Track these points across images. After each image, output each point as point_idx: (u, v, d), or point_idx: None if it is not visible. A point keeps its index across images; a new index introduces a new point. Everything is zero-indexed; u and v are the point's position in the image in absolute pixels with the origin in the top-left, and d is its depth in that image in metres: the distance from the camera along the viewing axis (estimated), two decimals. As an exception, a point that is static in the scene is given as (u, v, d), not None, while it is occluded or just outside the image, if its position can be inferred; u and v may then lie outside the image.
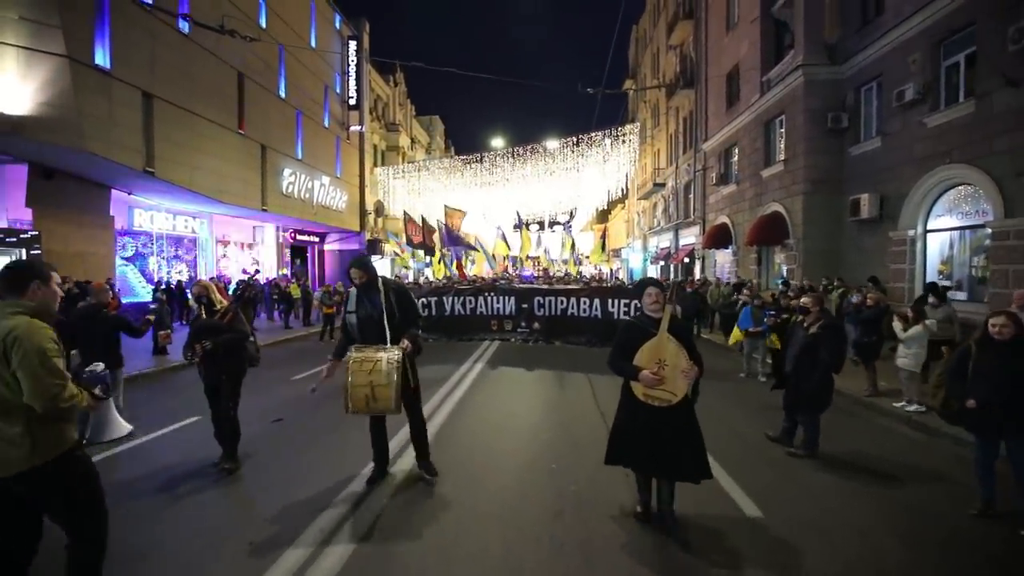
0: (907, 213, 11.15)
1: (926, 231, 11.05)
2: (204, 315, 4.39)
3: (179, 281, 15.52)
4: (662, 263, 27.70)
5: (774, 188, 15.33)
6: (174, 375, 8.81)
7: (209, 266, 17.62)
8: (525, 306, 10.58)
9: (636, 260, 33.96)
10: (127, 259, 14.71)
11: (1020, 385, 3.47)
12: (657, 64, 29.06)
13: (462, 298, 11.60)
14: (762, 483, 4.13)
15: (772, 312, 6.95)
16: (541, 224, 31.93)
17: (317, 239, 24.79)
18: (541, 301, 10.48)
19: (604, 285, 14.85)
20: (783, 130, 15.07)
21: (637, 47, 34.74)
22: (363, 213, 25.29)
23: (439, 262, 16.68)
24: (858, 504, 3.84)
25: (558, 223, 36.09)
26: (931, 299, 7.01)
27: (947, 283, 10.34)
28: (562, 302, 10.44)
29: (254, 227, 20.66)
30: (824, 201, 13.42)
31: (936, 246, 11.06)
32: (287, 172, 18.25)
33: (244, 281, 5.63)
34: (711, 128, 20.59)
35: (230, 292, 13.25)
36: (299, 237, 23.00)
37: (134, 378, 8.10)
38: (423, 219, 16.42)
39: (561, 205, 30.39)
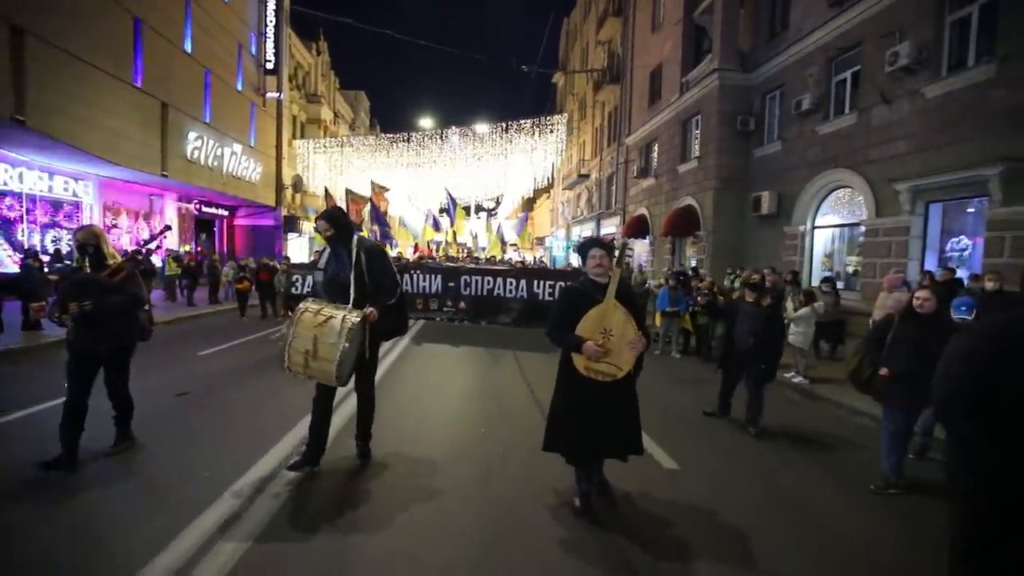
0: (799, 211, 12.45)
1: (814, 227, 12.42)
2: (87, 268, 3.54)
3: (57, 250, 13.70)
4: (584, 252, 28.69)
5: (688, 183, 16.42)
6: (48, 352, 7.77)
7: (111, 244, 15.65)
8: (451, 285, 10.52)
9: (559, 248, 34.89)
10: (-16, 222, 12.71)
11: (934, 359, 3.64)
12: (586, 58, 29.82)
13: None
14: (680, 442, 4.49)
15: (705, 292, 7.44)
16: (467, 209, 31.81)
17: (227, 212, 22.89)
18: (467, 280, 10.48)
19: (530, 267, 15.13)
20: (699, 129, 16.15)
21: (567, 40, 35.41)
22: (279, 187, 23.70)
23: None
24: (759, 454, 4.33)
25: (483, 209, 36.27)
26: (824, 287, 8.08)
27: (829, 274, 11.70)
28: (488, 282, 10.51)
29: (151, 195, 18.63)
30: (731, 197, 14.60)
31: (821, 241, 12.47)
32: (192, 136, 16.62)
33: (145, 242, 4.76)
34: (634, 123, 21.55)
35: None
36: (205, 209, 21.11)
37: None
38: (348, 192, 15.67)
39: (488, 191, 30.61)
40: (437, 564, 2.59)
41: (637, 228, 20.05)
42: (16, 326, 8.85)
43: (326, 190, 16.66)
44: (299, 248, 26.08)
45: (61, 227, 14.85)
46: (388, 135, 25.35)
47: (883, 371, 3.70)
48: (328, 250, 3.61)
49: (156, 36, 15.02)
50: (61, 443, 3.43)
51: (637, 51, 21.37)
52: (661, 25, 19.14)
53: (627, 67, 22.16)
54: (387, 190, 16.74)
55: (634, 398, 3.11)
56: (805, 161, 12.26)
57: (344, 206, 15.02)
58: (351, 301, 3.36)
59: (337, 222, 3.51)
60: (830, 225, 12.13)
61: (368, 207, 15.38)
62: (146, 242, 4.29)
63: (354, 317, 3.20)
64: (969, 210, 8.91)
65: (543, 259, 34.34)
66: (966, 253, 9.05)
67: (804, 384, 6.57)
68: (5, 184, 12.93)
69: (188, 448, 4.01)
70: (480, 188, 29.22)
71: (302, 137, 27.18)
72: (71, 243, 14.88)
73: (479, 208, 35.07)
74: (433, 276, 10.85)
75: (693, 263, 15.75)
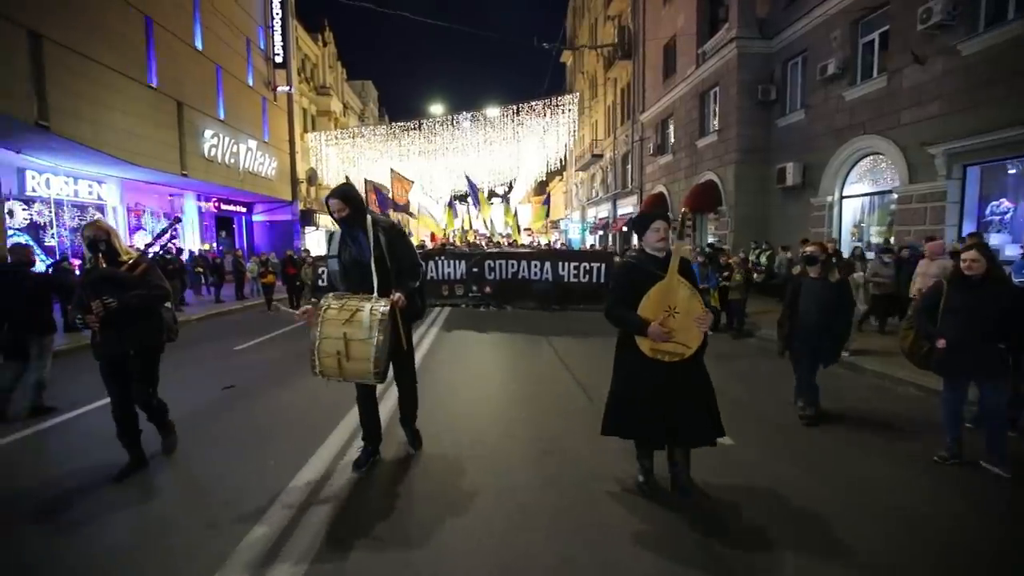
0: (826, 181, 12.13)
1: (842, 197, 12.10)
2: (103, 263, 3.25)
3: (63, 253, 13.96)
4: (601, 232, 28.47)
5: (708, 158, 16.08)
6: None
7: (121, 238, 15.93)
8: (476, 270, 10.52)
9: (575, 231, 34.65)
10: (19, 230, 12.98)
11: (991, 324, 3.34)
12: (595, 34, 29.19)
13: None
14: (728, 418, 4.44)
15: (759, 266, 7.31)
16: (462, 197, 31.78)
17: (244, 209, 23.09)
18: (492, 265, 10.46)
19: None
20: (717, 102, 15.75)
21: (575, 17, 34.67)
22: (295, 181, 23.80)
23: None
24: (808, 429, 4.28)
25: (497, 195, 36.08)
26: (885, 258, 8.19)
27: (859, 244, 11.44)
28: (512, 265, 10.46)
29: (171, 195, 18.86)
30: (754, 170, 14.28)
31: (850, 211, 12.16)
32: (208, 134, 16.72)
33: (156, 236, 3.98)
34: (648, 99, 21.12)
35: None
36: (224, 207, 21.32)
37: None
38: (366, 181, 15.64)
39: (500, 176, 30.37)
40: (516, 560, 2.43)
41: (654, 207, 19.75)
42: (59, 326, 9.08)
43: (347, 180, 16.61)
44: (316, 241, 26.24)
45: (88, 230, 15.12)
46: (399, 123, 25.19)
47: (940, 343, 3.52)
48: (339, 234, 3.24)
49: (167, 34, 15.03)
50: (126, 450, 3.40)
51: (649, 24, 20.84)
52: (674, -4, 18.59)
53: (639, 41, 21.64)
54: (411, 182, 16.64)
55: (706, 378, 2.90)
56: (831, 129, 11.91)
57: (365, 196, 15.05)
58: (375, 288, 3.04)
59: (352, 201, 3.12)
60: (859, 194, 11.80)
61: (376, 195, 15.32)
62: (157, 236, 3.76)
63: (382, 306, 2.89)
64: (1010, 171, 8.58)
65: (560, 242, 34.15)
66: (1007, 216, 8.74)
67: (846, 357, 6.44)
68: (34, 190, 13.17)
69: (245, 441, 4.01)
70: (493, 173, 29.03)
71: (313, 130, 27.19)
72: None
73: (492, 193, 34.96)
74: (457, 262, 10.84)
75: (711, 239, 15.50)
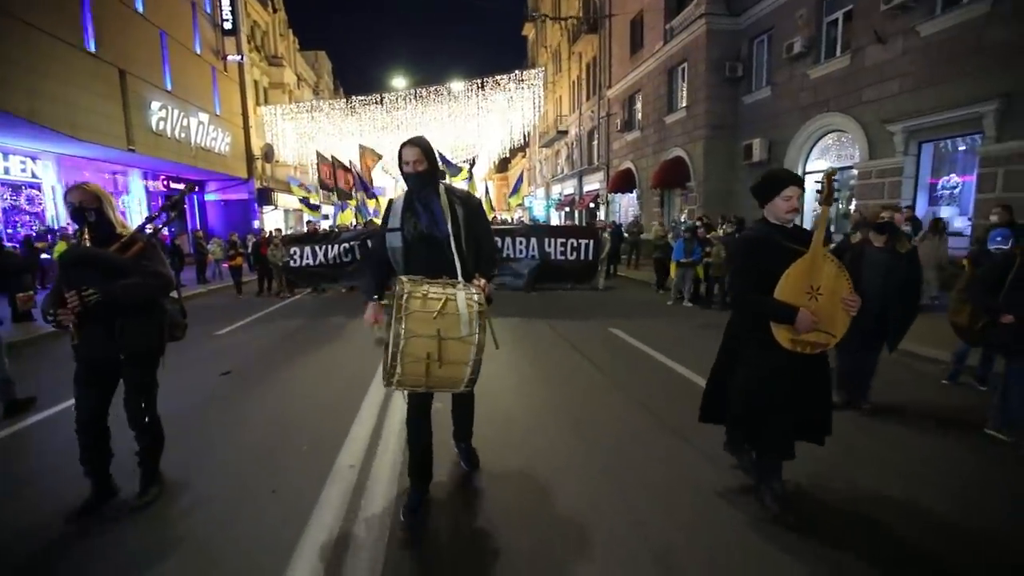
0: (791, 157, 12.63)
1: (805, 172, 12.63)
2: (87, 241, 2.51)
3: (27, 236, 12.85)
4: (567, 209, 28.64)
5: (676, 134, 16.37)
6: (54, 343, 7.42)
7: (61, 219, 14.72)
8: None
9: (539, 208, 34.70)
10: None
11: None
12: (558, 8, 28.78)
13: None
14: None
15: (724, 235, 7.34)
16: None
17: (196, 188, 21.76)
18: None
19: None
20: (685, 78, 15.97)
21: (536, -10, 33.95)
22: (250, 158, 22.57)
23: (354, 208, 15.60)
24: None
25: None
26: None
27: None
28: (496, 243, 10.40)
29: (114, 173, 17.51)
30: (721, 146, 14.66)
31: (812, 186, 12.70)
32: (156, 105, 15.52)
33: (163, 207, 3.14)
34: (615, 75, 21.16)
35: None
36: (173, 186, 20.01)
37: None
38: (333, 159, 14.99)
39: (462, 153, 29.89)
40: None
41: (623, 182, 20.03)
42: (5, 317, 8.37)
43: (318, 153, 15.83)
44: (275, 221, 25.14)
45: (24, 212, 13.91)
46: (360, 97, 24.25)
47: (1007, 318, 3.27)
48: (399, 202, 2.56)
49: (104, -5, 13.74)
50: (89, 478, 2.62)
51: (615, -2, 20.73)
52: (641, -31, 18.52)
53: (606, 16, 21.52)
54: (380, 157, 16.04)
55: (828, 367, 2.54)
56: (796, 105, 12.35)
57: (331, 171, 14.44)
58: (458, 270, 2.43)
59: (430, 156, 2.48)
60: (822, 170, 12.35)
61: (353, 173, 14.80)
62: (164, 207, 2.95)
63: (476, 294, 2.28)
64: (961, 148, 9.20)
65: (523, 219, 34.14)
66: (956, 191, 9.41)
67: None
68: (-42, 167, 11.93)
69: (255, 446, 3.54)
70: (455, 150, 28.50)
71: (266, 103, 25.76)
72: (39, 225, 13.99)
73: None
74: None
75: (683, 217, 15.92)
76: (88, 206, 2.52)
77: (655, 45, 17.30)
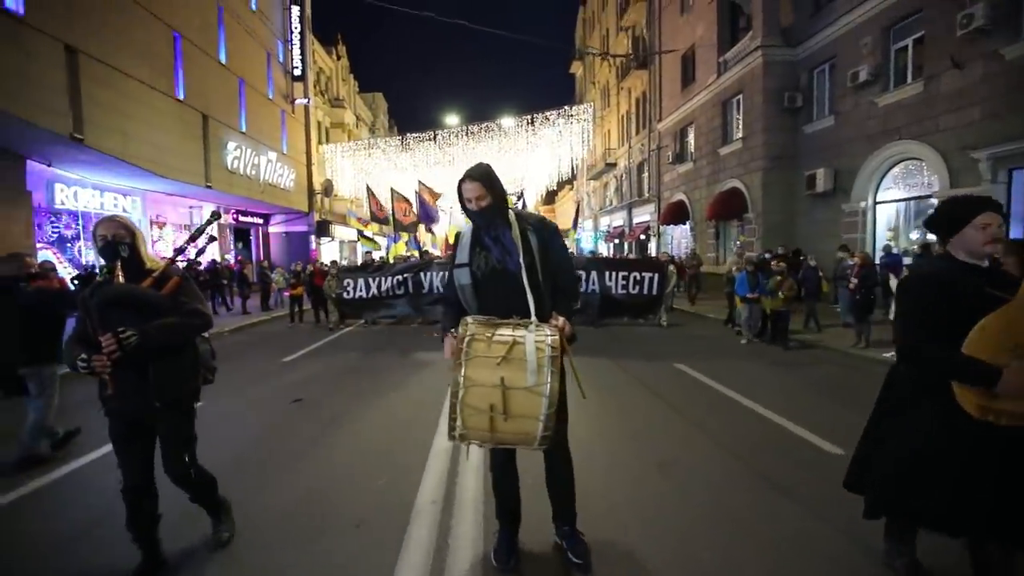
0: (859, 186, 12.07)
1: (875, 203, 12.03)
2: (121, 278, 2.29)
3: (87, 271, 13.93)
4: (616, 241, 28.43)
5: (732, 165, 16.05)
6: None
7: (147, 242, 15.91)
8: None
9: (588, 239, 34.63)
10: (48, 243, 12.96)
11: None
12: (606, 45, 29.38)
13: (441, 274, 11.22)
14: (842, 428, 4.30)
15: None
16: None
17: (261, 220, 23.11)
18: None
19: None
20: (741, 110, 15.76)
21: (584, 28, 34.95)
22: (311, 192, 23.85)
23: (406, 241, 16.08)
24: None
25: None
26: None
27: (894, 249, 11.33)
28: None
29: (191, 207, 18.88)
30: (780, 177, 14.23)
31: (884, 217, 12.07)
32: (232, 146, 16.77)
33: (192, 236, 2.66)
34: (666, 108, 21.17)
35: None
36: (242, 219, 21.33)
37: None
38: (393, 192, 15.52)
39: (510, 186, 30.44)
40: None
41: (675, 214, 19.74)
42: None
43: (368, 189, 16.51)
44: (331, 252, 26.25)
45: (113, 243, 15.09)
46: (413, 134, 25.31)
47: None
48: (468, 234, 2.35)
49: (193, 48, 15.13)
50: (137, 545, 2.38)
51: (665, 34, 20.96)
52: (691, 6, 18.71)
53: (655, 51, 21.75)
54: (440, 195, 16.54)
55: None
56: (863, 134, 11.87)
57: (388, 206, 14.95)
58: (532, 309, 2.15)
59: (495, 187, 2.25)
60: (894, 200, 11.73)
61: (417, 203, 15.23)
62: (192, 236, 2.62)
63: (549, 336, 2.02)
64: (1058, 175, 8.51)
65: (571, 251, 34.12)
66: (1056, 220, 8.66)
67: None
68: (62, 203, 13.17)
69: (332, 477, 3.47)
70: (504, 183, 29.08)
71: (327, 142, 27.30)
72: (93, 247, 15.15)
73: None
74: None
75: (738, 245, 15.42)
76: (121, 240, 2.30)
77: (708, 78, 17.25)
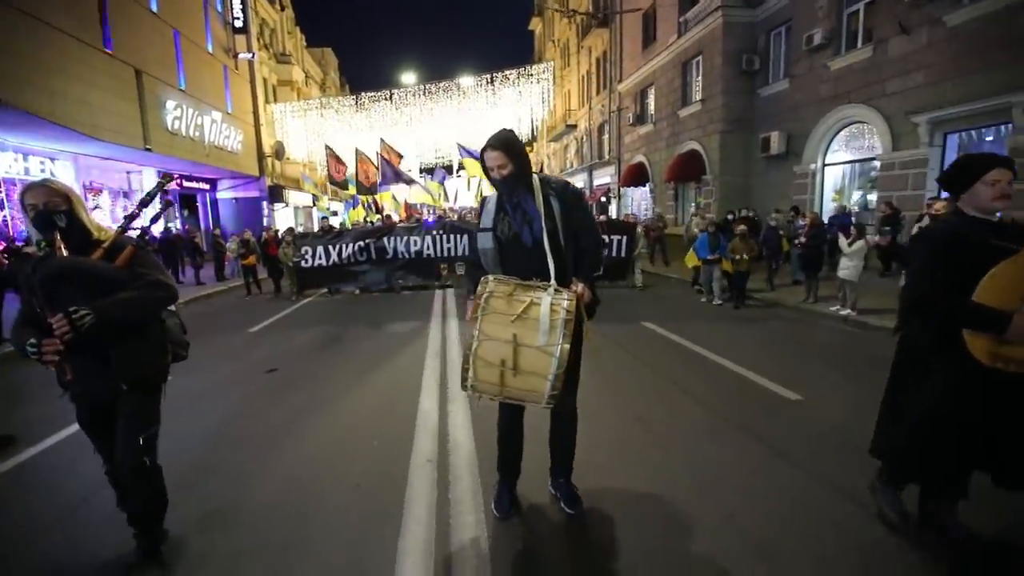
0: (809, 149, 12.59)
1: (824, 165, 12.60)
2: (63, 250, 2.02)
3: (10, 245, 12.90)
4: (577, 205, 28.56)
5: (691, 127, 16.32)
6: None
7: (88, 207, 14.78)
8: None
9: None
10: (-34, 210, 11.85)
11: None
12: (567, 1, 28.62)
13: (406, 239, 11.00)
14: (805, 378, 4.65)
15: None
16: (449, 168, 31.29)
17: (208, 186, 21.78)
18: None
19: None
20: (700, 71, 15.90)
21: (542, -18, 33.77)
22: (261, 155, 22.59)
23: (365, 205, 15.59)
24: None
25: (464, 169, 35.53)
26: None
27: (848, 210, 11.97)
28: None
29: (128, 172, 17.54)
30: (738, 139, 14.62)
31: (831, 179, 12.69)
32: (171, 104, 15.55)
33: (142, 202, 2.25)
34: (626, 68, 21.07)
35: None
36: (187, 184, 20.05)
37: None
38: (357, 152, 14.73)
39: (470, 147, 29.87)
40: None
41: (635, 176, 20.00)
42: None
43: (328, 149, 15.72)
44: (286, 218, 25.21)
45: (44, 211, 13.95)
46: (369, 93, 24.26)
47: None
48: (492, 200, 2.41)
49: (119, -6, 13.74)
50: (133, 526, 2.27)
51: (626, -9, 20.60)
52: (652, -38, 18.41)
53: (616, 10, 21.41)
54: (401, 157, 15.93)
55: None
56: (816, 98, 12.29)
57: (352, 167, 14.35)
58: (552, 273, 2.22)
59: (517, 153, 2.27)
60: (841, 162, 12.32)
61: (380, 164, 14.64)
62: (143, 202, 2.27)
63: (565, 300, 2.09)
64: (988, 139, 9.15)
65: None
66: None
67: (853, 316, 6.86)
68: (-19, 168, 12.00)
69: (321, 442, 3.57)
70: (464, 144, 28.51)
71: (275, 101, 25.75)
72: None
73: (460, 166, 34.39)
74: (459, 236, 10.59)
75: (698, 207, 15.89)
76: (56, 208, 2.00)
77: (668, 39, 17.22)
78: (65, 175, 14.52)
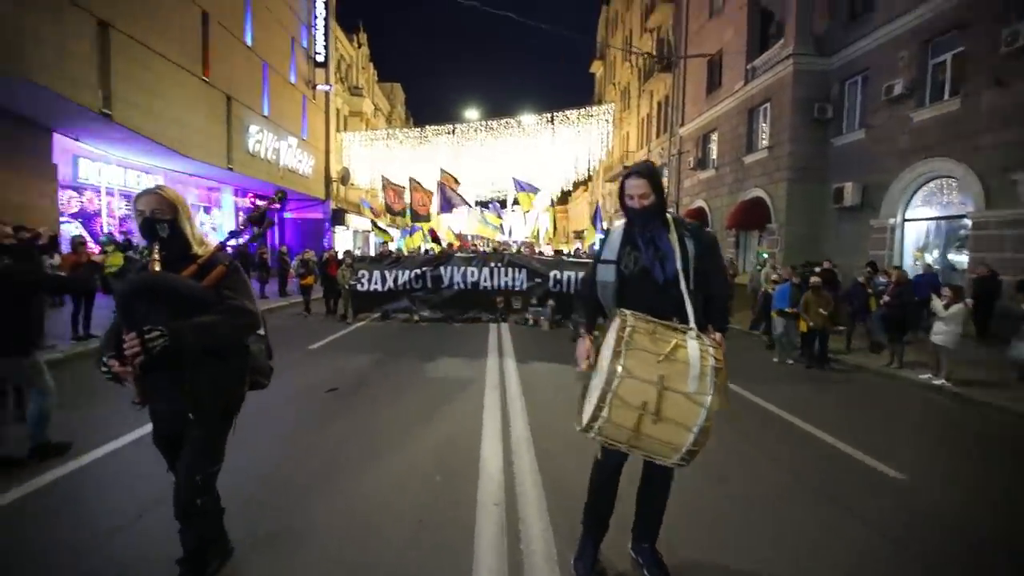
0: (888, 203, 11.92)
1: (904, 220, 11.88)
2: (158, 264, 1.92)
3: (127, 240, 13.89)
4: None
5: (756, 174, 15.90)
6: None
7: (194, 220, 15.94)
8: (539, 280, 10.15)
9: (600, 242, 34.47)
10: (71, 215, 12.94)
11: None
12: (629, 46, 29.16)
13: (463, 269, 11.03)
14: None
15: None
16: (503, 203, 31.77)
17: (278, 206, 23.05)
18: (559, 276, 9.95)
19: None
20: (767, 118, 15.60)
21: (607, 28, 34.71)
22: (328, 180, 23.81)
23: (422, 232, 15.93)
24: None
25: (518, 202, 36.07)
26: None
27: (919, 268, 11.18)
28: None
29: (208, 189, 18.88)
30: (806, 188, 14.08)
31: (913, 235, 11.93)
32: (254, 129, 16.73)
33: (250, 219, 2.24)
34: (689, 113, 21.01)
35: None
36: (259, 203, 21.31)
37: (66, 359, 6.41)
38: (411, 181, 15.14)
39: (525, 181, 30.31)
40: None
41: (694, 220, 19.56)
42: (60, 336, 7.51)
43: (384, 180, 16.32)
44: (346, 241, 26.21)
45: (134, 220, 15.11)
46: (432, 127, 25.24)
47: None
48: (618, 232, 2.25)
49: (221, 29, 15.08)
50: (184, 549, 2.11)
51: (692, 38, 20.77)
52: (721, 10, 18.52)
53: (681, 55, 21.56)
54: (459, 184, 16.30)
55: None
56: (895, 149, 11.71)
57: (407, 196, 14.78)
58: (690, 316, 2.03)
59: (659, 185, 2.16)
60: (924, 218, 11.58)
61: (438, 193, 15.00)
62: (252, 219, 2.20)
63: (712, 348, 1.91)
64: (1100, 200, 8.36)
65: (583, 252, 33.98)
66: (1095, 246, 8.52)
67: (949, 387, 6.22)
68: (87, 178, 13.17)
69: (382, 471, 3.43)
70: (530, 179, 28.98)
71: (345, 130, 27.23)
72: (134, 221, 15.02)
73: (516, 201, 34.94)
74: (517, 270, 10.52)
75: (765, 256, 15.26)
76: (161, 217, 1.93)
77: (734, 85, 17.08)
78: (154, 188, 15.71)
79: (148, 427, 3.88)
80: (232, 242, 2.20)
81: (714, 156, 19.07)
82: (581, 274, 9.78)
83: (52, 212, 11.75)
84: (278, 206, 2.37)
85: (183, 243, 2.00)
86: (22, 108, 10.17)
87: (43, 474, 3.25)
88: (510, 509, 2.89)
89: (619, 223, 2.32)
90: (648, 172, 2.17)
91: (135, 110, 11.55)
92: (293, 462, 3.52)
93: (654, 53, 24.44)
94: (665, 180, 24.00)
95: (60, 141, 11.90)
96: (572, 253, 20.35)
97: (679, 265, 2.08)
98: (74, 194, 13.02)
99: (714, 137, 19.12)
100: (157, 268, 1.89)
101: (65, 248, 9.76)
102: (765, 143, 15.60)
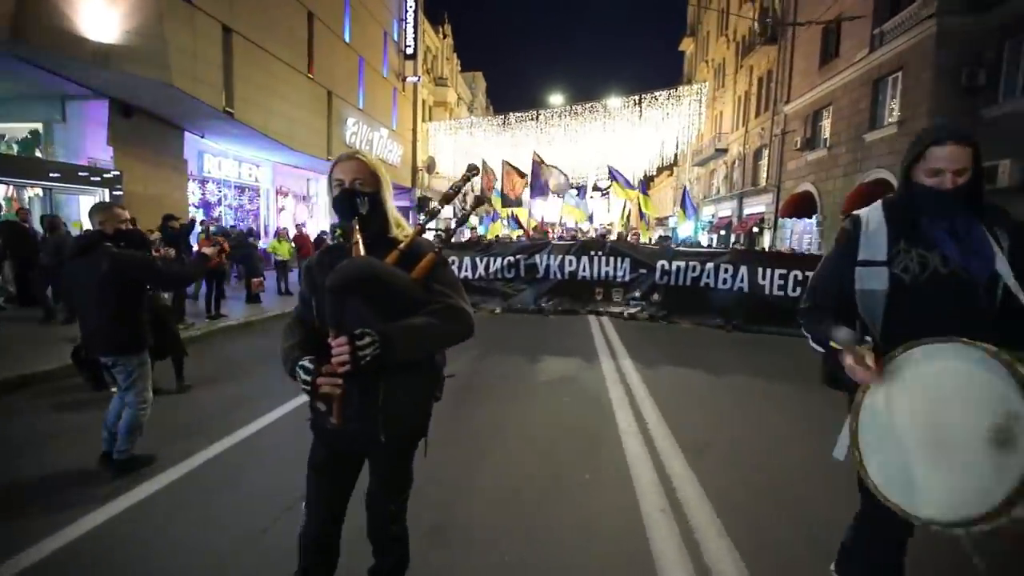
0: (1058, 182, 10.14)
1: (1081, 202, 10.04)
2: (361, 247, 1.52)
3: (250, 228, 15.05)
4: (722, 232, 26.68)
5: (881, 153, 14.21)
6: (271, 325, 8.23)
7: (270, 218, 17.17)
8: (643, 271, 9.50)
9: (687, 229, 32.83)
10: (193, 206, 14.23)
11: None
12: (725, 20, 27.22)
13: (560, 258, 10.56)
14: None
15: None
16: (582, 188, 31.07)
17: (477, 171, 24.20)
18: (666, 267, 9.24)
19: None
20: (899, 89, 13.84)
21: (699, 3, 32.63)
22: (415, 169, 24.53)
23: (505, 220, 15.84)
24: None
25: (598, 188, 35.07)
26: None
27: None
28: (695, 268, 8.77)
29: (307, 179, 20.05)
30: (947, 167, 12.33)
31: (1090, 219, 10.06)
32: (351, 121, 17.50)
33: (456, 188, 1.80)
34: (796, 88, 19.24)
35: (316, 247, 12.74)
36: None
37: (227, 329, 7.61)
38: (504, 164, 14.72)
39: (604, 169, 29.41)
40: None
41: (799, 206, 17.97)
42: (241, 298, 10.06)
43: (484, 163, 16.17)
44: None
45: (246, 210, 16.37)
46: (516, 114, 25.10)
47: None
48: (875, 219, 1.65)
49: (323, 28, 15.81)
50: None
51: (802, 5, 18.90)
52: (840, -29, 16.62)
53: (790, 23, 19.72)
54: (555, 167, 15.87)
55: None
56: (1072, 119, 9.90)
57: (499, 180, 14.59)
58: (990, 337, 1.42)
59: (980, 156, 1.57)
60: (1109, 198, 9.72)
61: (531, 175, 14.68)
62: (446, 197, 1.85)
63: None
64: None
65: (666, 239, 32.60)
66: None
67: None
68: (209, 172, 14.40)
69: (523, 464, 3.27)
70: (601, 167, 28.22)
71: (430, 120, 27.86)
72: (253, 225, 16.27)
73: (595, 188, 34.04)
74: (619, 260, 9.92)
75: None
76: (361, 189, 1.58)
77: (856, 54, 15.31)
78: (264, 179, 16.92)
79: (283, 408, 3.95)
80: (430, 226, 1.86)
81: (826, 135, 17.32)
82: (693, 263, 9.09)
83: (184, 203, 12.96)
84: (471, 177, 1.92)
85: (383, 223, 1.62)
86: (160, 109, 11.24)
87: (176, 465, 3.10)
88: (679, 519, 2.63)
89: (866, 210, 1.70)
90: (972, 138, 1.54)
91: (252, 108, 12.40)
92: (439, 451, 3.48)
93: (756, 26, 22.60)
94: (763, 162, 22.29)
95: (187, 138, 13.07)
96: (656, 240, 19.39)
97: (1003, 269, 1.47)
98: (195, 187, 14.28)
99: (827, 113, 17.35)
100: (362, 252, 1.50)
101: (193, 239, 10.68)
102: (893, 118, 13.87)
